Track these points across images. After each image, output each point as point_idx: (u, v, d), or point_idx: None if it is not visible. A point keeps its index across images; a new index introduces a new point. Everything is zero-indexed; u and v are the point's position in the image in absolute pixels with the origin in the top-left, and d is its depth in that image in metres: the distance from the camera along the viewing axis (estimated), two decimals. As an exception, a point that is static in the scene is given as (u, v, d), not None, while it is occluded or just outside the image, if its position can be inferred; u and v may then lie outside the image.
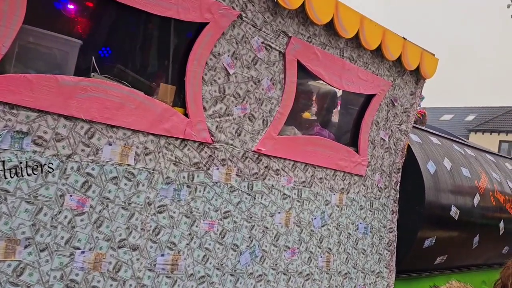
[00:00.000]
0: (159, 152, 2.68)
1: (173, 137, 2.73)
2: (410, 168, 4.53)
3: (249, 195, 3.19)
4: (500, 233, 5.84)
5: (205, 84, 2.86)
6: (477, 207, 5.21)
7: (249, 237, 3.19)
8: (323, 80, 3.61)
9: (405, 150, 4.57)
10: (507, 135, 36.85)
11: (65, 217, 2.32)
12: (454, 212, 4.79)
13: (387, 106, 4.29)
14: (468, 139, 37.35)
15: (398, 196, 4.54)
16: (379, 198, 4.37)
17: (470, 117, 42.31)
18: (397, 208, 4.54)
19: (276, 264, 3.37)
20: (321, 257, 3.74)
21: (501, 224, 5.81)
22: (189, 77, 2.77)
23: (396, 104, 4.38)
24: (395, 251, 4.49)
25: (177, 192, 2.78)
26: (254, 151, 3.19)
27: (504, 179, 6.24)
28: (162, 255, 2.72)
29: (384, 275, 4.41)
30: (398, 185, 4.55)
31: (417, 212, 4.43)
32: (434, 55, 4.53)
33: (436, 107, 46.09)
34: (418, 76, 4.49)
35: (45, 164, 2.24)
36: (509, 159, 7.40)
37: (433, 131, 5.58)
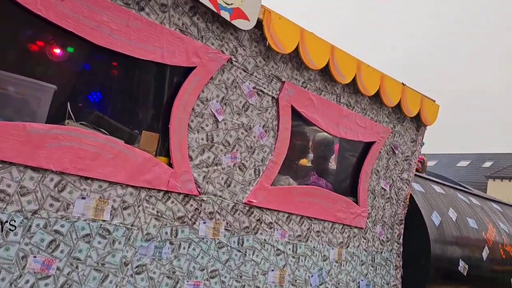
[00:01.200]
0: (139, 206, 2.45)
1: (155, 189, 2.51)
2: (413, 219, 4.26)
3: (240, 251, 2.92)
4: (512, 289, 5.47)
5: (191, 131, 2.66)
6: (486, 261, 4.89)
7: (239, 299, 2.89)
8: (319, 127, 3.43)
9: (408, 200, 4.32)
10: None
11: (27, 281, 2.05)
12: (462, 267, 4.47)
13: (387, 154, 4.09)
14: (486, 186, 37.13)
15: (401, 249, 4.25)
16: (381, 252, 4.08)
17: (487, 164, 42.05)
18: (401, 263, 4.24)
19: (269, 329, 3.04)
20: (320, 319, 3.41)
21: (512, 279, 5.45)
22: (174, 124, 2.58)
23: (396, 151, 4.18)
24: (400, 310, 4.15)
25: (158, 250, 2.52)
26: (245, 203, 2.95)
27: (512, 230, 5.93)
28: (140, 322, 2.42)
29: (389, 337, 4.04)
30: (401, 237, 4.27)
31: (423, 267, 4.11)
32: (434, 101, 4.38)
33: (452, 153, 46.14)
34: (419, 122, 4.31)
35: (7, 222, 2.00)
36: (516, 207, 7.11)
37: (435, 179, 5.34)
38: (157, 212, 2.52)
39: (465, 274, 4.48)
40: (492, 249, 5.07)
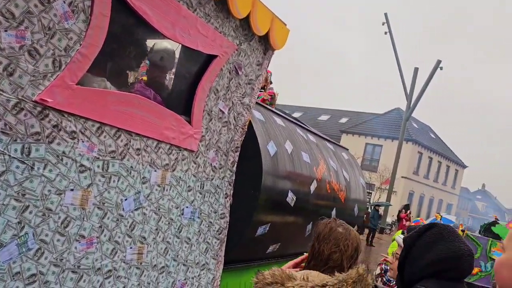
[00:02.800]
0: None
1: None
2: (249, 147, 4.04)
3: (24, 163, 2.25)
4: (332, 221, 5.83)
5: None
6: (313, 194, 5.03)
7: (19, 223, 2.26)
8: (149, 23, 2.81)
9: (246, 126, 4.06)
10: (372, 138, 41.91)
11: None
12: (290, 198, 4.47)
13: (229, 73, 3.70)
14: (340, 139, 41.64)
15: (234, 178, 4.02)
16: (212, 179, 3.78)
17: (344, 120, 47.28)
18: (232, 192, 4.03)
19: (61, 259, 2.49)
20: (131, 248, 2.98)
21: (333, 212, 5.79)
22: None
23: (240, 73, 3.82)
24: (225, 239, 3.97)
25: None
26: (36, 102, 2.25)
27: (340, 168, 6.27)
28: None
29: (210, 267, 3.85)
30: (235, 165, 4.03)
31: (253, 197, 3.96)
32: (285, 24, 4.10)
33: (315, 107, 50.67)
34: (267, 45, 4.00)
35: None
36: (346, 149, 7.61)
37: (278, 112, 5.23)
38: None
39: (292, 205, 4.51)
40: (320, 184, 5.23)
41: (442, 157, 46.72)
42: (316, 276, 1.93)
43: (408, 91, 26.34)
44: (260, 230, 4.17)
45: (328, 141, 6.76)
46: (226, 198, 3.97)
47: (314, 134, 6.07)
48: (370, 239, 21.10)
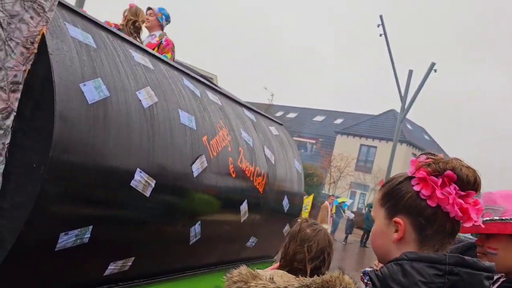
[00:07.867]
0: None
1: None
2: (39, 83, 2.16)
3: None
4: (242, 220, 4.01)
5: None
6: (199, 179, 3.18)
7: None
8: None
9: (36, 45, 2.17)
10: (366, 139, 41.34)
11: None
12: (141, 182, 2.60)
13: None
14: (335, 140, 40.92)
15: (8, 140, 2.13)
16: None
17: (339, 121, 47.14)
18: (3, 167, 2.14)
19: None
20: None
21: (243, 207, 3.98)
22: None
23: None
24: None
25: None
26: None
27: (260, 145, 4.46)
28: None
29: None
30: (11, 117, 2.14)
31: (36, 175, 2.08)
32: None
33: (311, 108, 51.14)
34: None
35: None
36: (279, 124, 5.79)
37: (146, 48, 3.31)
38: None
39: (147, 194, 2.65)
40: (213, 163, 3.39)
41: (435, 158, 47.46)
42: (280, 276, 1.95)
43: (402, 93, 25.83)
44: (66, 240, 2.29)
45: (251, 109, 4.93)
46: (-13, 178, 2.07)
47: (220, 94, 4.21)
48: (364, 241, 20.30)
